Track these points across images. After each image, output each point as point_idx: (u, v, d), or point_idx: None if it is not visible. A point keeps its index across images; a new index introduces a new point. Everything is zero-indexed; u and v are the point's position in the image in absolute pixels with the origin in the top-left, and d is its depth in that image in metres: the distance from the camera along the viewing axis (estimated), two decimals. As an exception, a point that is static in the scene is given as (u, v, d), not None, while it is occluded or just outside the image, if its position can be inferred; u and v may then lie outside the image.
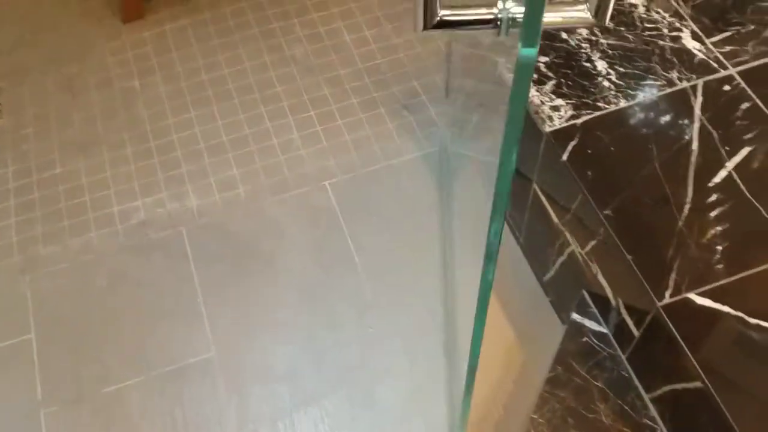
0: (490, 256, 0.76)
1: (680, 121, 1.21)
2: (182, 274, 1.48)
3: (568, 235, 1.25)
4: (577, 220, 1.21)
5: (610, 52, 1.31)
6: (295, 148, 1.67)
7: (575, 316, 1.23)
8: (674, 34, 1.32)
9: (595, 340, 1.20)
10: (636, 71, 1.28)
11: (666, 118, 1.22)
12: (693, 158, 1.16)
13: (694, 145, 1.18)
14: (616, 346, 1.19)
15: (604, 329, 1.22)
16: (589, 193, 1.15)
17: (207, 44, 1.87)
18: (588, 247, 1.20)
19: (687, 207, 1.11)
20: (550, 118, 1.23)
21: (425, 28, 0.74)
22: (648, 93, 1.25)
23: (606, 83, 1.27)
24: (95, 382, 1.36)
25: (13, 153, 1.67)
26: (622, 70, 1.28)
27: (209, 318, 1.43)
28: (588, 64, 1.30)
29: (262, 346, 1.39)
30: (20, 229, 1.54)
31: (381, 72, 1.80)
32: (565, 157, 1.20)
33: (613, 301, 1.17)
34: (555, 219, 1.28)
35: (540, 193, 1.31)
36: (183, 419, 1.31)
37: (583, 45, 1.32)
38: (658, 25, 1.33)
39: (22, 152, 1.68)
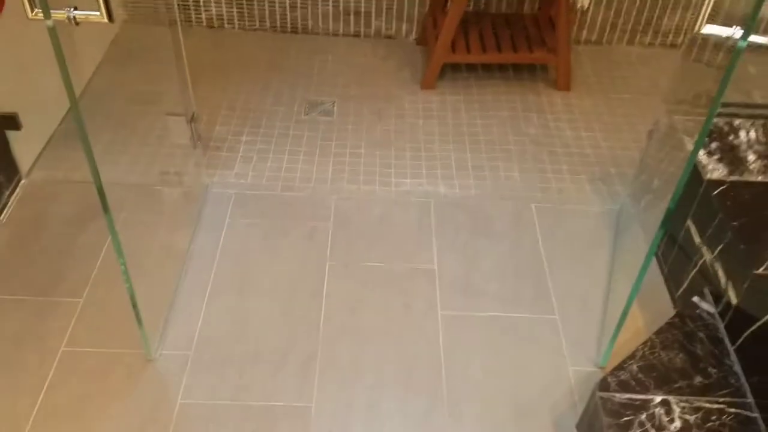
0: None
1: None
2: (425, 226, 2.23)
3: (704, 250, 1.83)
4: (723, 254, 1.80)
5: None
6: (514, 179, 2.43)
7: (695, 299, 1.78)
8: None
9: (705, 311, 1.74)
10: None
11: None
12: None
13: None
14: (718, 317, 1.72)
15: (712, 309, 1.75)
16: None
17: (470, 112, 2.75)
18: (715, 252, 1.77)
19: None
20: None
21: None
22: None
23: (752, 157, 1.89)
24: (360, 258, 2.10)
25: (338, 135, 2.60)
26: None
27: (437, 249, 2.14)
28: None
29: (478, 284, 2.07)
30: (334, 170, 2.42)
31: (587, 156, 2.54)
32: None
33: (724, 290, 1.71)
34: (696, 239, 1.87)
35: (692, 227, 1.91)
36: (401, 314, 1.99)
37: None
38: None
39: (342, 137, 2.60)
